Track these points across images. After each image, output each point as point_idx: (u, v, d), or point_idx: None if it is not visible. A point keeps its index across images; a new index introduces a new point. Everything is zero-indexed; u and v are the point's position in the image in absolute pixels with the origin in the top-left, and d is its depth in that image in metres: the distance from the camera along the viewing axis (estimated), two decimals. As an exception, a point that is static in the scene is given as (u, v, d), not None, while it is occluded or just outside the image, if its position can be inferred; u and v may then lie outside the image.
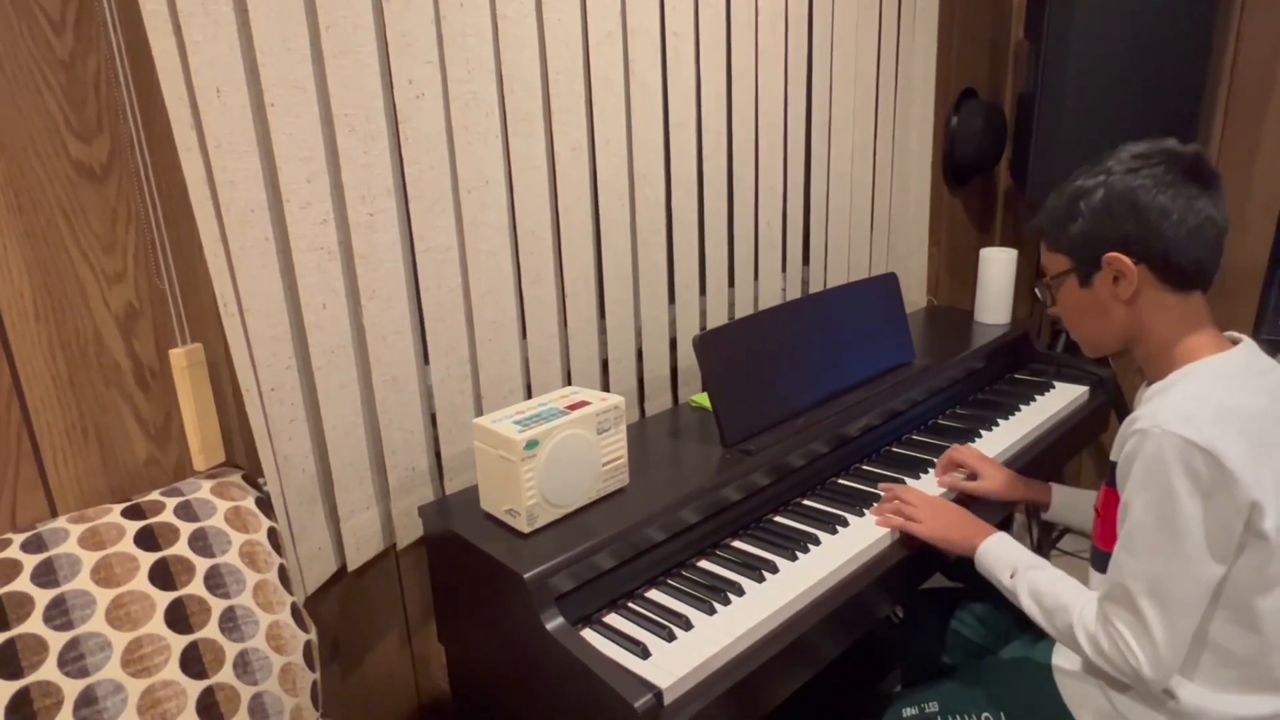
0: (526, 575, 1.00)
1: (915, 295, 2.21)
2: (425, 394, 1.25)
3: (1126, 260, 0.98)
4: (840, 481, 1.43)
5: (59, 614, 0.83)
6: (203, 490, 1.00)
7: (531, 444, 1.06)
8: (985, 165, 2.39)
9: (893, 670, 1.72)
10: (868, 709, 1.32)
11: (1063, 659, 1.13)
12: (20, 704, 0.78)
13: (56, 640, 0.82)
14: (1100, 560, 1.05)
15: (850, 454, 1.49)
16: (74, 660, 0.82)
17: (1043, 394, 1.77)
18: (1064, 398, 1.75)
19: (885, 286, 1.65)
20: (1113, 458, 1.02)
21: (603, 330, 1.47)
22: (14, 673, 0.79)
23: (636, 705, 0.89)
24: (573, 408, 1.14)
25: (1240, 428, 0.90)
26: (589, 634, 1.06)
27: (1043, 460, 1.58)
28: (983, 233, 2.54)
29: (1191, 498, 0.89)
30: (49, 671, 0.80)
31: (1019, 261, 2.00)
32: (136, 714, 0.83)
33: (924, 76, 2.04)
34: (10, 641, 0.80)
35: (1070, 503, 1.34)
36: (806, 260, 1.87)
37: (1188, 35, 1.95)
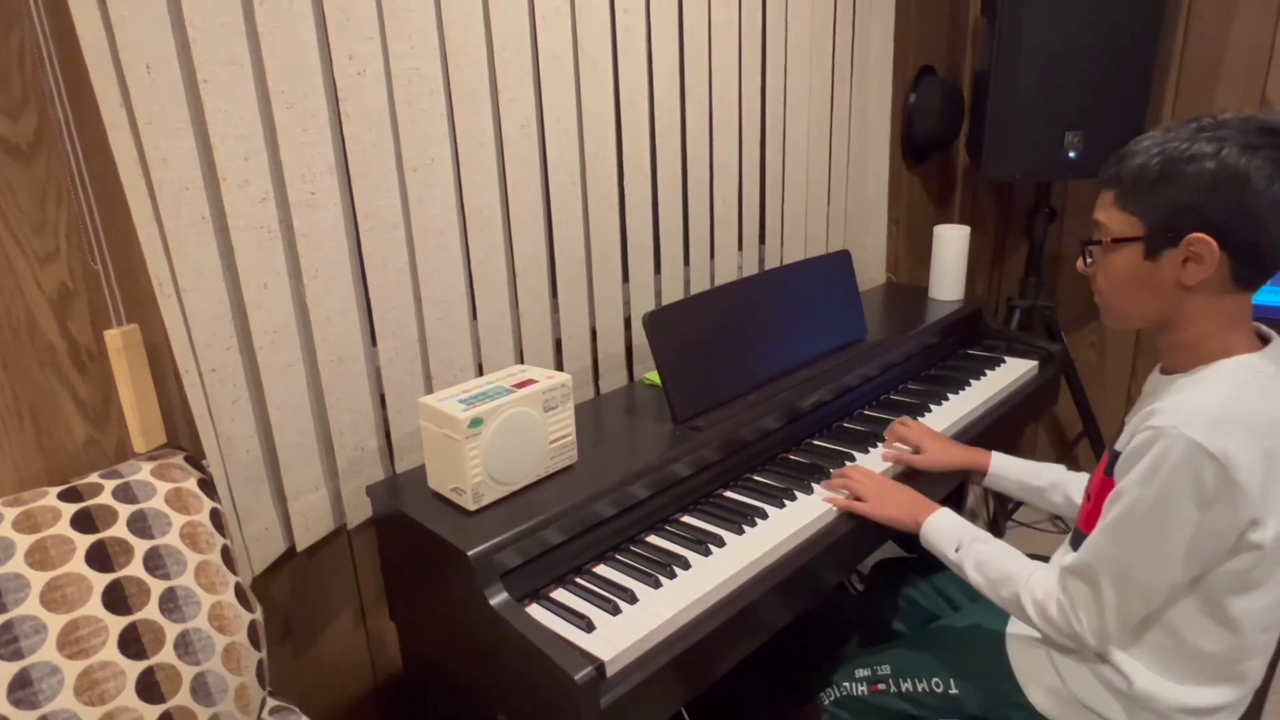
0: (470, 553, 1.01)
1: (874, 272, 2.23)
2: (374, 374, 1.25)
3: (1214, 245, 0.88)
4: (791, 456, 1.45)
5: (-8, 597, 0.83)
6: (143, 472, 1.00)
7: (476, 422, 1.07)
8: (943, 143, 2.40)
9: (849, 638, 1.75)
10: (823, 673, 1.35)
11: (1018, 628, 1.15)
12: (-48, 687, 0.78)
13: (-11, 623, 0.82)
14: (1080, 542, 1.02)
15: (802, 429, 1.51)
16: (8, 643, 0.82)
17: (993, 369, 1.80)
18: (1013, 372, 1.78)
19: (838, 263, 1.67)
20: (1118, 447, 0.98)
21: (555, 309, 1.47)
22: (-55, 656, 0.79)
23: (577, 677, 0.91)
24: (520, 386, 1.15)
25: (1262, 439, 0.86)
26: (536, 609, 1.07)
27: (991, 433, 1.62)
28: (941, 209, 2.56)
29: (1190, 505, 0.86)
30: (-18, 655, 0.80)
31: (972, 238, 2.03)
32: (74, 695, 0.83)
33: (881, 52, 2.04)
34: (-59, 625, 0.80)
35: (1003, 470, 1.35)
36: (763, 239, 1.88)
37: (1140, 13, 1.97)
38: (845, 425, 1.57)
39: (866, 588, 1.61)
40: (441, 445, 1.10)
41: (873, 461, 1.41)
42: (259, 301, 1.09)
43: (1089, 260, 1.01)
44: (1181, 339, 0.97)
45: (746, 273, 1.85)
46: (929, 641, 1.26)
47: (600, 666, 0.96)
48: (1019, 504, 2.63)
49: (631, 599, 1.07)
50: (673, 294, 1.68)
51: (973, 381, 1.74)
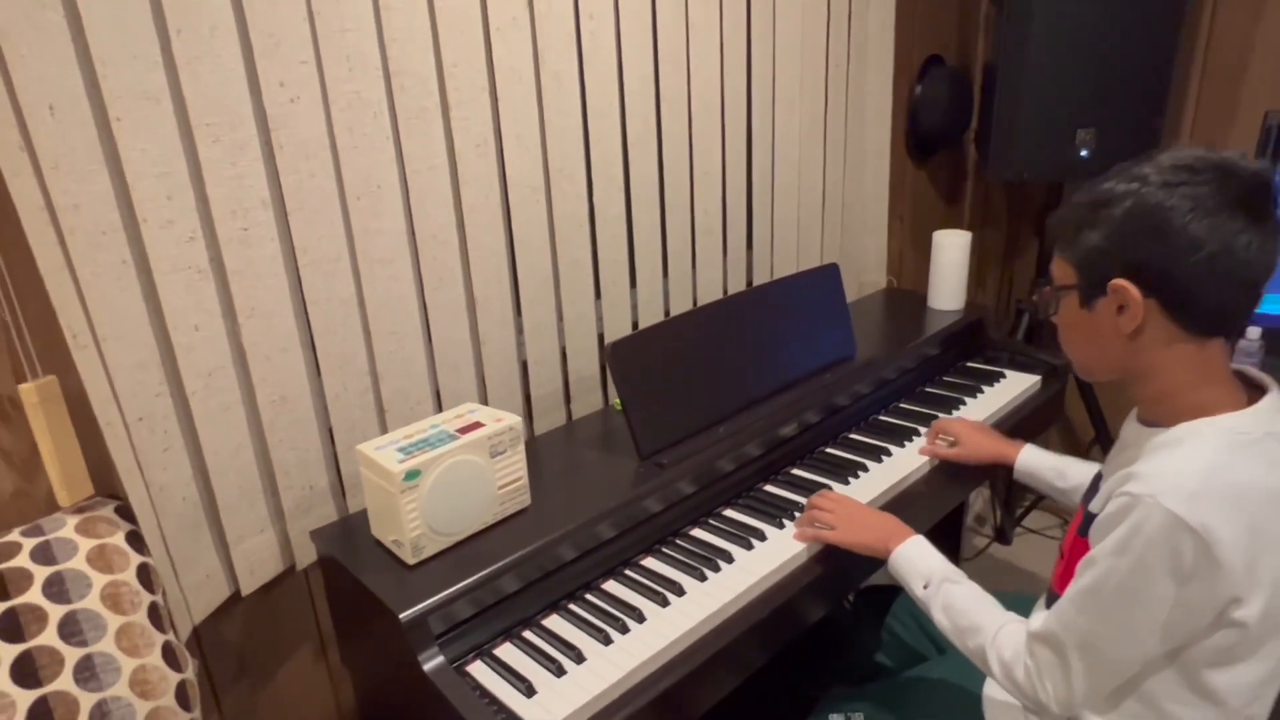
0: (402, 615, 0.96)
1: (875, 275, 2.14)
2: (321, 410, 1.20)
3: (1134, 291, 0.84)
4: (767, 488, 1.38)
5: (-110, 675, 0.80)
6: (67, 528, 0.96)
7: (412, 474, 1.01)
8: (951, 137, 2.29)
9: (828, 665, 1.70)
10: (798, 704, 1.30)
11: (995, 690, 1.09)
12: None
13: (-114, 704, 0.79)
14: (1054, 602, 0.95)
15: (781, 458, 1.44)
16: (-95, 724, 0.79)
17: (991, 385, 1.71)
18: (1013, 389, 1.69)
19: (824, 278, 1.58)
20: (1093, 509, 0.92)
21: (520, 330, 1.41)
22: None
23: (504, 757, 0.86)
24: (465, 430, 1.09)
25: (1247, 511, 0.79)
26: (478, 667, 1.02)
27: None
28: (950, 205, 2.45)
29: (1166, 580, 0.79)
30: (-124, 738, 0.77)
31: (984, 235, 1.92)
32: (-24, 776, 0.80)
33: (881, 43, 1.93)
34: None
35: (1030, 465, 1.32)
36: (750, 245, 1.80)
37: (1159, 3, 1.83)
38: (829, 451, 1.49)
39: (851, 616, 1.55)
40: (379, 495, 1.05)
41: (855, 492, 1.34)
42: (190, 344, 1.04)
43: (1044, 312, 0.96)
44: (1151, 392, 0.90)
45: (733, 282, 1.77)
46: (904, 693, 1.20)
47: (535, 739, 0.91)
48: (1029, 509, 2.54)
49: (579, 658, 1.02)
50: (651, 308, 1.61)
51: (967, 400, 1.65)
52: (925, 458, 1.42)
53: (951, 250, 1.84)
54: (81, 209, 0.92)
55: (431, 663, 0.96)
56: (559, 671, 1.00)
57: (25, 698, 0.85)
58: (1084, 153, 1.92)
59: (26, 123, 0.87)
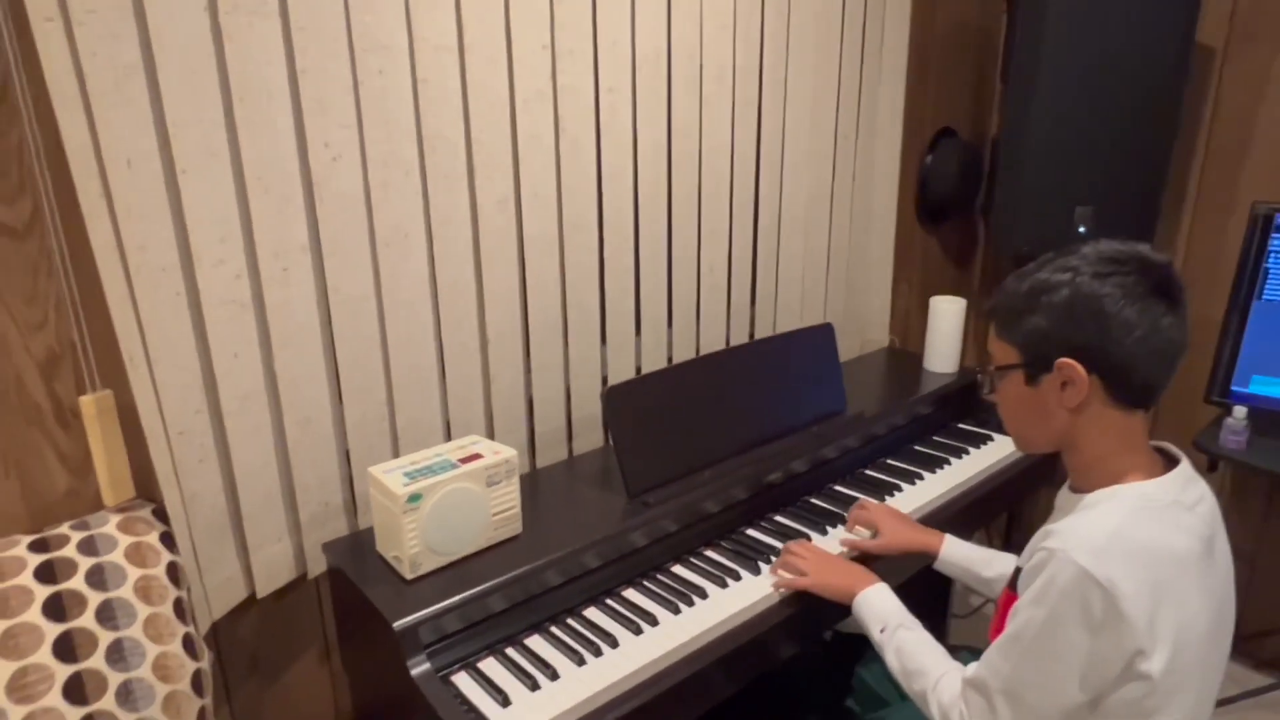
0: (396, 624, 1.07)
1: (877, 334, 2.23)
2: (340, 433, 1.32)
3: (1080, 369, 0.94)
4: (749, 532, 1.47)
5: (-48, 642, 0.92)
6: (109, 525, 1.09)
7: (415, 497, 1.13)
8: (961, 205, 2.39)
9: (799, 706, 1.76)
10: None
11: None
12: (-93, 725, 0.87)
13: (-53, 667, 0.91)
14: None
15: (766, 504, 1.53)
16: (-39, 686, 0.91)
17: (978, 447, 1.79)
18: (998, 452, 1.76)
19: (818, 337, 1.68)
20: (1019, 563, 1.01)
21: (528, 370, 1.53)
22: (-96, 696, 0.88)
23: (474, 758, 0.96)
24: (466, 460, 1.20)
25: (1149, 569, 0.87)
26: (461, 677, 1.12)
27: (963, 518, 1.61)
28: (959, 270, 2.54)
29: (1077, 629, 0.88)
30: (-63, 696, 0.90)
31: (980, 309, 2.01)
32: (16, 737, 0.92)
33: (890, 117, 2.05)
34: (-96, 667, 0.89)
35: (953, 555, 1.35)
36: (754, 300, 1.90)
37: (1161, 89, 1.92)
38: (813, 500, 1.58)
39: (824, 660, 1.62)
40: (385, 514, 1.16)
41: (830, 543, 1.42)
42: (229, 370, 1.17)
43: (985, 390, 1.06)
44: (1079, 461, 1.00)
45: (735, 335, 1.88)
46: (860, 734, 1.27)
47: (505, 746, 1.01)
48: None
49: (553, 675, 1.11)
50: (654, 355, 1.72)
51: (952, 460, 1.72)
52: (901, 513, 1.50)
53: (947, 316, 1.93)
54: (146, 249, 1.06)
55: (418, 669, 1.06)
56: (533, 686, 1.09)
57: (63, 671, 0.97)
58: (1082, 229, 2.00)
59: (107, 174, 1.02)
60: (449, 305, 1.37)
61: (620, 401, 1.37)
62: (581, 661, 1.14)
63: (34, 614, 0.98)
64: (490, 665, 1.14)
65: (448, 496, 1.16)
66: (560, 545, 1.24)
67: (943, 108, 2.29)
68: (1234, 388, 1.90)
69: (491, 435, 1.50)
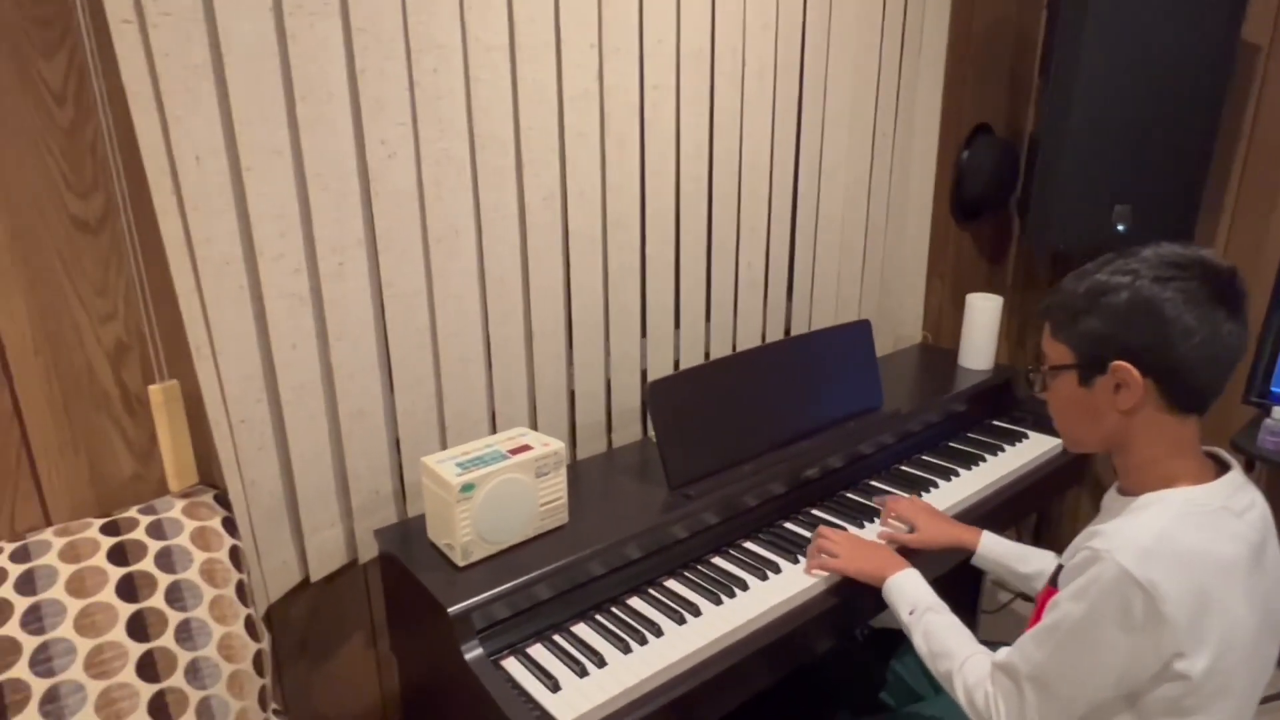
0: (451, 609, 1.10)
1: (910, 330, 2.23)
2: (391, 423, 1.36)
3: (1135, 372, 0.94)
4: (787, 525, 1.49)
5: (34, 619, 0.97)
6: (175, 510, 1.13)
7: (468, 487, 1.16)
8: (995, 202, 2.38)
9: (834, 697, 1.78)
10: None
11: None
12: (-7, 697, 0.92)
13: (30, 643, 0.95)
14: None
15: (803, 498, 1.55)
16: (43, 661, 0.95)
17: (1014, 444, 1.79)
18: (1034, 450, 1.77)
19: (856, 333, 1.69)
20: (1062, 560, 1.02)
21: (570, 364, 1.55)
22: (-9, 670, 0.93)
23: (529, 740, 0.99)
24: (515, 451, 1.23)
25: (1194, 574, 0.88)
26: (511, 662, 1.15)
27: (999, 514, 1.62)
28: (993, 267, 2.53)
29: (1115, 629, 0.89)
30: (21, 670, 0.94)
31: (1024, 298, 2.00)
32: (94, 711, 0.96)
33: (928, 112, 2.05)
34: (-10, 642, 0.94)
35: (991, 551, 1.36)
36: (790, 297, 1.92)
37: (1202, 86, 1.91)
38: (849, 495, 1.60)
39: (860, 651, 1.64)
40: (437, 503, 1.19)
41: (867, 537, 1.44)
42: (288, 361, 1.21)
43: (1037, 389, 1.07)
44: (1130, 462, 1.01)
45: (772, 330, 1.89)
46: (896, 725, 1.29)
47: (557, 729, 1.04)
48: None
49: (600, 662, 1.14)
50: (693, 349, 1.74)
51: (988, 457, 1.73)
52: (937, 509, 1.51)
53: (983, 313, 1.93)
54: (212, 242, 1.10)
55: (472, 654, 1.10)
56: (582, 672, 1.12)
57: (136, 650, 1.01)
58: (1121, 227, 2.00)
59: (177, 169, 1.05)
60: (496, 300, 1.40)
61: (663, 395, 1.39)
62: (627, 649, 1.17)
63: (108, 594, 1.02)
64: (539, 651, 1.17)
65: (499, 487, 1.19)
66: (604, 536, 1.27)
67: (979, 104, 2.28)
68: (1273, 388, 1.90)
69: (535, 427, 1.53)
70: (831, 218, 1.92)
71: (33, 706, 0.93)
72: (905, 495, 1.49)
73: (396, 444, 1.37)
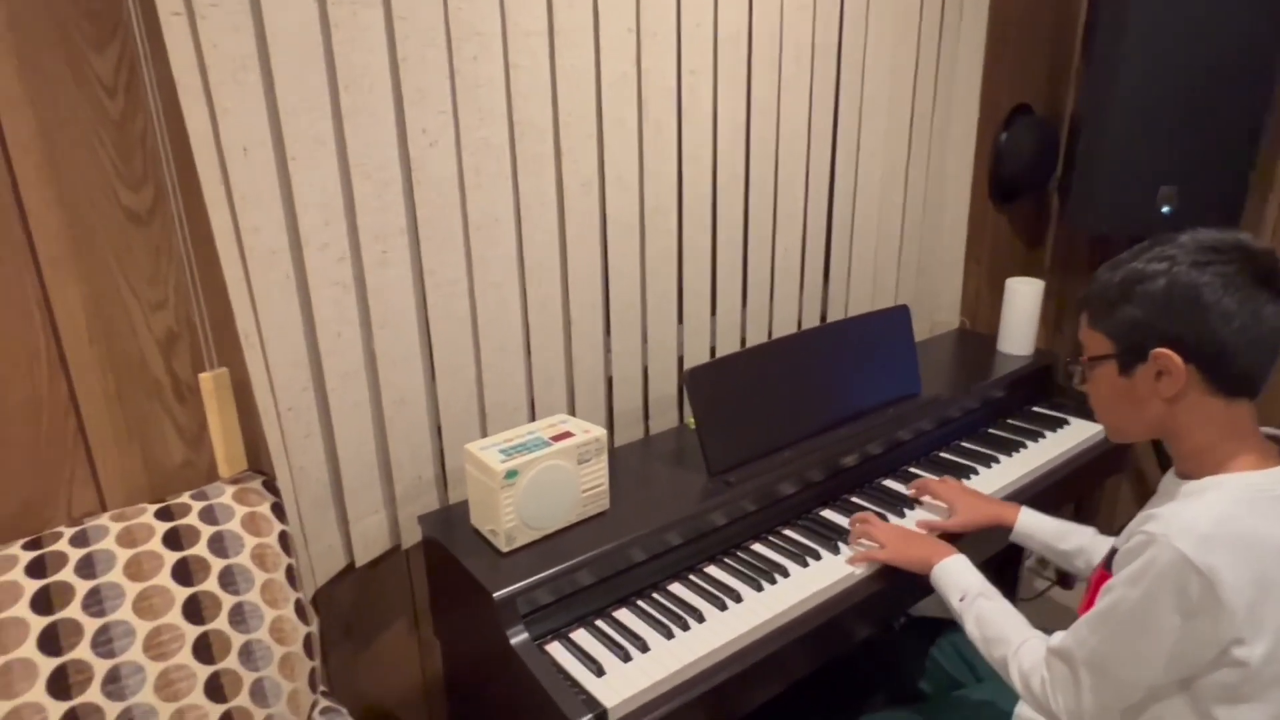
0: (496, 594, 1.11)
1: (948, 315, 2.21)
2: (432, 410, 1.37)
3: (1176, 359, 0.93)
4: (825, 513, 1.49)
5: (94, 602, 0.99)
6: (225, 495, 1.15)
7: (511, 474, 1.17)
8: (1034, 184, 2.34)
9: (873, 684, 1.78)
10: (841, 716, 1.39)
11: (1026, 711, 1.18)
12: (59, 678, 0.94)
13: (91, 625, 0.98)
14: None
15: (841, 485, 1.55)
16: (104, 643, 0.98)
17: (1054, 430, 1.77)
18: (1075, 436, 1.74)
19: (894, 319, 1.68)
20: (1117, 544, 1.02)
21: (608, 350, 1.55)
22: (55, 651, 0.95)
23: (576, 724, 1.00)
24: (557, 438, 1.24)
25: (1255, 560, 0.86)
26: (555, 647, 1.17)
27: (1040, 502, 1.59)
28: (1030, 251, 2.49)
29: (1172, 614, 0.88)
30: (83, 651, 0.96)
31: (1063, 282, 1.97)
32: (153, 692, 0.99)
33: (967, 95, 2.01)
34: (54, 624, 0.96)
35: (1031, 527, 1.35)
36: (827, 282, 1.90)
37: (1251, 64, 1.86)
38: (887, 483, 1.59)
39: (897, 642, 1.64)
40: (481, 489, 1.20)
41: (906, 524, 1.43)
42: (332, 349, 1.22)
43: (1076, 381, 1.06)
44: (1183, 449, 0.99)
45: (808, 316, 1.88)
46: (939, 714, 1.29)
47: (603, 714, 1.04)
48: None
49: (644, 647, 1.15)
50: (729, 336, 1.73)
51: (1029, 444, 1.71)
52: (977, 496, 1.50)
53: (1024, 297, 1.91)
54: (259, 232, 1.11)
55: (518, 638, 1.11)
56: (625, 657, 1.13)
57: (192, 632, 1.03)
58: (1166, 210, 1.95)
59: (225, 160, 1.06)
60: (535, 287, 1.41)
61: (702, 382, 1.39)
62: (670, 634, 1.17)
63: (164, 578, 1.04)
64: (582, 636, 1.18)
65: (542, 474, 1.20)
66: (645, 522, 1.27)
67: (1019, 84, 2.24)
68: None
69: (573, 413, 1.54)
70: (868, 202, 1.89)
71: (95, 686, 0.96)
72: (933, 478, 1.48)
73: (438, 431, 1.38)
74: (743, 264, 1.71)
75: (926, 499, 1.47)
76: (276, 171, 1.12)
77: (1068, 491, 1.71)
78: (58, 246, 1.05)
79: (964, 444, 1.73)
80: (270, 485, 1.20)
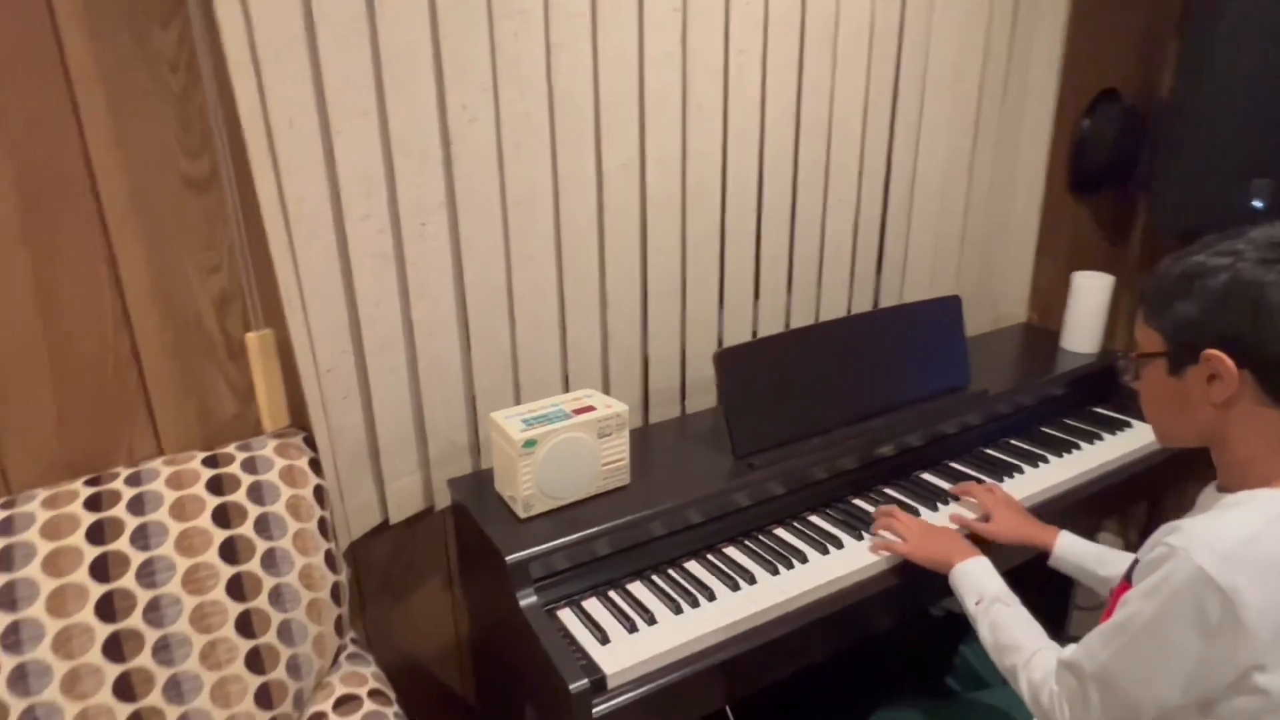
0: (508, 557, 1.15)
1: (1013, 309, 2.12)
2: (468, 379, 1.42)
3: (1229, 363, 0.87)
4: (855, 502, 1.47)
5: (141, 537, 1.08)
6: (267, 448, 1.23)
7: (530, 443, 1.20)
8: (1120, 175, 2.21)
9: (900, 676, 1.75)
10: (865, 708, 1.37)
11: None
12: (106, 603, 1.04)
13: (137, 558, 1.07)
14: None
15: (877, 476, 1.52)
16: (147, 575, 1.07)
17: (1114, 433, 1.69)
18: (1136, 440, 1.66)
19: (944, 309, 1.63)
20: (1138, 555, 0.96)
21: (645, 330, 1.57)
22: (104, 578, 1.05)
23: (572, 687, 1.03)
24: (580, 411, 1.27)
25: None
26: (566, 613, 1.20)
27: (1090, 506, 1.53)
28: (1114, 247, 2.36)
29: (1189, 633, 0.83)
30: (128, 581, 1.05)
31: (1121, 290, 1.87)
32: (189, 623, 1.07)
33: (1044, 80, 1.92)
34: (104, 554, 1.06)
35: (1068, 553, 1.29)
36: (880, 269, 1.86)
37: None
38: (925, 477, 1.55)
39: (931, 635, 1.61)
40: (503, 456, 1.25)
41: (940, 519, 1.40)
42: (372, 316, 1.28)
43: (1128, 377, 0.99)
44: (1229, 459, 0.93)
45: (858, 302, 1.85)
46: (956, 714, 1.26)
47: (601, 679, 1.07)
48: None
49: (651, 620, 1.17)
50: (773, 320, 1.72)
51: (1084, 446, 1.64)
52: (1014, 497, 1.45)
53: (1091, 292, 1.82)
54: (304, 202, 1.17)
55: (526, 600, 1.15)
56: (632, 628, 1.15)
57: (227, 571, 1.11)
58: (1258, 204, 1.82)
59: (272, 133, 1.13)
60: (571, 263, 1.43)
61: (731, 364, 1.39)
62: (678, 610, 1.19)
63: (205, 520, 1.12)
64: (593, 605, 1.21)
65: (561, 445, 1.23)
66: (665, 498, 1.29)
67: (1105, 67, 2.12)
68: None
69: (607, 389, 1.56)
70: (928, 188, 1.84)
71: (137, 613, 1.05)
72: (987, 480, 1.43)
73: (473, 399, 1.43)
74: (789, 249, 1.69)
75: (970, 499, 1.43)
76: (321, 144, 1.17)
77: (1125, 498, 1.63)
78: (123, 210, 1.14)
79: (1013, 441, 1.67)
80: (310, 441, 1.28)
